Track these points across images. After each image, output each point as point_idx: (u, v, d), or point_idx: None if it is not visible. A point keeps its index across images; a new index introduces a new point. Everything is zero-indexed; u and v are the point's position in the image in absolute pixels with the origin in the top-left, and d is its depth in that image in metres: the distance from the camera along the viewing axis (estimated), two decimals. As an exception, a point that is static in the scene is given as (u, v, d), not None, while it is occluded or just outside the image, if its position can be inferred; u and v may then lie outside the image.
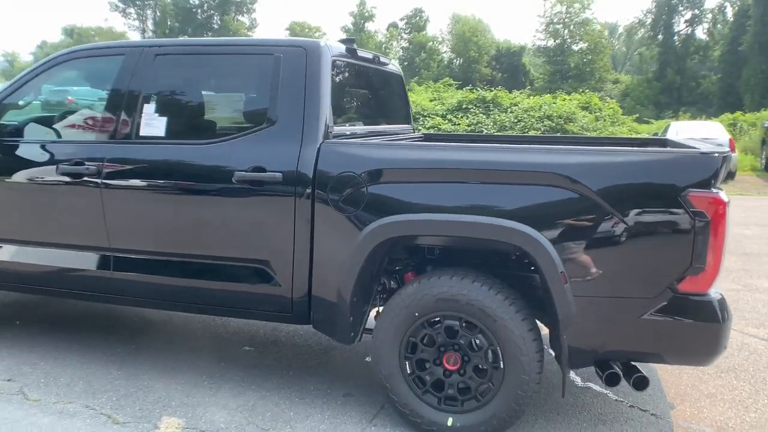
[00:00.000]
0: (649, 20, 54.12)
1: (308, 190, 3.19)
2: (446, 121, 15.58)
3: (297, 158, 3.22)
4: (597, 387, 3.74)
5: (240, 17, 71.56)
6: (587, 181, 2.80)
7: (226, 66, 3.64)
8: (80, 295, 3.89)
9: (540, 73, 57.19)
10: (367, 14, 68.26)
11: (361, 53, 3.84)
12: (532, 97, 18.72)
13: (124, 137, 3.57)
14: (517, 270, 3.28)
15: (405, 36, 70.84)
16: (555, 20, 55.34)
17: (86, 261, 3.70)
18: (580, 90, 22.86)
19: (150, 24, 70.49)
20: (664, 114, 41.66)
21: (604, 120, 16.91)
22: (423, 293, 3.04)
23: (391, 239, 3.08)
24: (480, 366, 3.04)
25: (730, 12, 50.78)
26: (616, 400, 3.59)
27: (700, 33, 52.76)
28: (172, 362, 4.02)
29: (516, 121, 15.84)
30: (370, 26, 69.34)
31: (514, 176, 2.93)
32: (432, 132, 11.43)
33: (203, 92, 3.72)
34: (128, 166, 3.53)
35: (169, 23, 68.84)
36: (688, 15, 51.91)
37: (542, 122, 15.84)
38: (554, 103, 16.92)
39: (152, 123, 3.52)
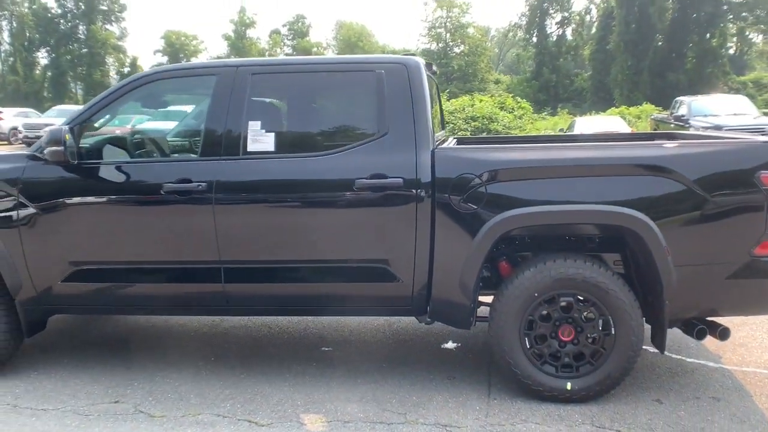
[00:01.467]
0: (524, 23, 57.44)
1: (428, 192, 3.52)
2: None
3: (415, 164, 3.54)
4: (652, 348, 4.32)
5: (108, 26, 68.10)
6: (682, 170, 3.35)
7: (327, 83, 3.87)
8: (191, 310, 3.98)
9: (425, 76, 59.03)
10: (248, 21, 67.46)
11: (433, 67, 4.21)
12: (452, 100, 19.65)
13: (230, 154, 3.71)
14: (597, 250, 3.80)
15: (288, 42, 70.74)
16: (437, 24, 57.38)
17: (195, 276, 3.80)
18: (464, 91, 24.36)
19: (6, 36, 65.61)
20: (543, 111, 44.49)
21: (522, 118, 18.16)
22: (542, 275, 3.47)
23: (510, 230, 3.48)
24: (591, 335, 3.51)
25: (594, 13, 54.97)
26: (675, 357, 4.19)
27: (571, 34, 56.59)
28: (263, 367, 4.18)
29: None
30: (251, 33, 68.65)
31: (621, 169, 3.43)
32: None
33: (309, 107, 3.93)
34: (242, 181, 3.69)
35: (27, 34, 64.35)
36: (559, 17, 55.71)
37: (469, 123, 16.72)
38: (473, 104, 17.97)
39: (259, 139, 3.69)
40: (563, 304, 3.50)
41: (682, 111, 16.45)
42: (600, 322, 3.50)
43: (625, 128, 17.26)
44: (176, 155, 4.48)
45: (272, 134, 3.71)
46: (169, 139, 4.83)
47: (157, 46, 72.84)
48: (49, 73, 62.60)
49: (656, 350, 4.23)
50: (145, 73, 3.99)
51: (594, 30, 54.02)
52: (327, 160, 3.65)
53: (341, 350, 4.52)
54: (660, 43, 46.78)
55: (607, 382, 3.52)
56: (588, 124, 17.56)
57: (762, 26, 47.20)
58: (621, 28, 46.58)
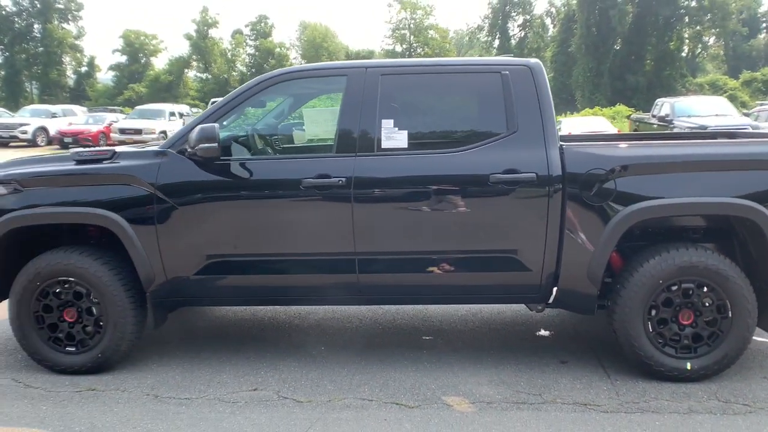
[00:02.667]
0: (486, 25, 58.38)
1: (559, 187, 3.75)
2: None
3: (546, 160, 3.77)
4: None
5: (65, 25, 66.13)
6: (795, 163, 3.68)
7: (454, 83, 4.06)
8: (323, 300, 4.12)
9: (389, 76, 59.45)
10: (210, 21, 66.51)
11: None
12: None
13: (366, 150, 3.88)
14: (699, 240, 4.09)
15: (250, 42, 70.07)
16: (401, 26, 57.81)
17: (331, 267, 3.95)
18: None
19: (-44, 35, 62.93)
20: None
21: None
22: (667, 263, 3.74)
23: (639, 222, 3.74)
24: (708, 318, 3.80)
25: (555, 16, 56.20)
26: (759, 339, 4.51)
27: (532, 37, 57.74)
28: (378, 356, 4.34)
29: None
30: (214, 33, 67.72)
31: (741, 164, 3.74)
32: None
33: (437, 106, 4.10)
34: (379, 176, 3.86)
35: (-21, 33, 61.97)
36: (521, 20, 56.87)
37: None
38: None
39: (393, 136, 3.87)
40: (684, 290, 3.78)
41: (665, 111, 17.12)
42: (716, 306, 3.78)
43: (610, 128, 17.86)
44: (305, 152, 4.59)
45: (405, 132, 3.89)
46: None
47: (116, 45, 70.98)
48: (3, 73, 60.54)
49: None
50: (277, 73, 4.11)
51: (555, 33, 55.32)
52: (460, 157, 3.85)
53: (441, 339, 4.71)
54: (619, 47, 48.31)
55: (724, 361, 3.81)
56: (574, 124, 18.13)
57: (714, 30, 49.16)
58: (582, 31, 47.91)
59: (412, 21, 57.32)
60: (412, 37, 58.02)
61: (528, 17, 56.77)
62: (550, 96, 3.93)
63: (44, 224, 4.07)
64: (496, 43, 57.83)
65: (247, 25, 69.40)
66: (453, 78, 4.08)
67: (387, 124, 3.90)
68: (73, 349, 4.09)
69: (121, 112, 36.86)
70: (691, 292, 3.78)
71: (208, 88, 63.72)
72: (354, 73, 4.01)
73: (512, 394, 3.76)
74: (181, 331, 4.99)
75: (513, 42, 56.77)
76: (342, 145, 3.93)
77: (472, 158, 3.84)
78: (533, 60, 4.04)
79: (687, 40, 49.25)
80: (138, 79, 65.14)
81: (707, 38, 48.20)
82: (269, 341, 4.70)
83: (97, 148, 4.30)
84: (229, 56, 66.91)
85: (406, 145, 3.89)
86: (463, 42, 78.18)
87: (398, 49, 58.39)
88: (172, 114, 26.76)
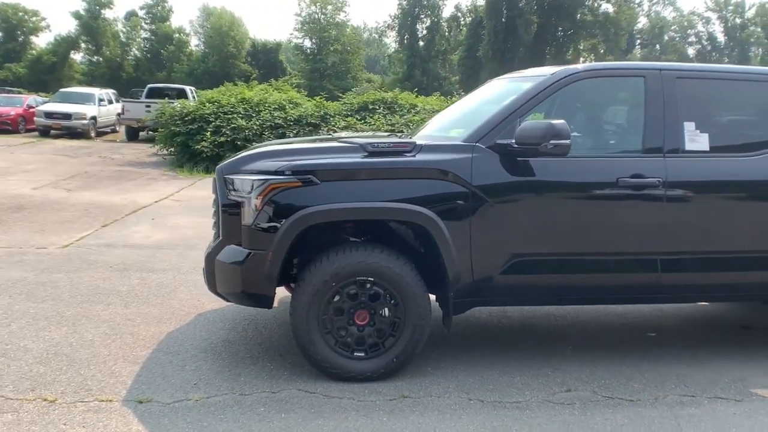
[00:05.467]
0: (396, 25, 59.12)
1: None
2: (360, 121, 15.99)
3: (839, 172, 4.07)
4: None
5: (-76, -7, 59.25)
6: None
7: (742, 90, 4.26)
8: (622, 299, 4.17)
9: (297, 71, 58.69)
10: (104, 0, 62.03)
11: None
12: (431, 97, 19.94)
13: (672, 152, 3.99)
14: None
15: (146, 26, 66.23)
16: (311, 20, 57.13)
17: (633, 266, 4.02)
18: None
19: None
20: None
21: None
22: None
23: None
24: None
25: (460, 20, 58.06)
26: None
27: (438, 40, 59.12)
28: (632, 352, 4.43)
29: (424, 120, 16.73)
30: (108, 13, 63.25)
31: None
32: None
33: (730, 110, 4.25)
34: (690, 177, 4.00)
35: None
36: (429, 22, 58.09)
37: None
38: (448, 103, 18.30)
39: (696, 139, 4.02)
40: None
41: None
42: None
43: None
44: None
45: (706, 134, 4.04)
46: None
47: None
48: None
49: None
50: (579, 69, 4.11)
51: (462, 38, 57.10)
52: (759, 161, 4.06)
53: (667, 335, 4.89)
54: (523, 55, 50.76)
55: None
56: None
57: (606, 44, 52.97)
58: (490, 38, 49.83)
59: (322, 16, 56.77)
60: (322, 32, 57.26)
61: (435, 20, 58.09)
62: (831, 107, 4.23)
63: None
64: (405, 43, 58.64)
65: (142, 8, 65.48)
66: (741, 85, 4.28)
67: (689, 126, 4.02)
68: (362, 354, 3.85)
69: (19, 93, 33.73)
70: None
71: (99, 72, 59.62)
72: (650, 75, 4.11)
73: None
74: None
75: (422, 43, 57.86)
76: (649, 146, 4.00)
77: (770, 164, 4.05)
78: (813, 73, 4.32)
79: (584, 52, 52.66)
80: (15, 59, 59.63)
81: (601, 51, 51.81)
82: (502, 341, 4.67)
83: (395, 140, 4.05)
84: (124, 39, 62.91)
85: (707, 148, 4.03)
86: (360, 39, 78.52)
87: (308, 43, 57.68)
88: (101, 99, 24.92)
